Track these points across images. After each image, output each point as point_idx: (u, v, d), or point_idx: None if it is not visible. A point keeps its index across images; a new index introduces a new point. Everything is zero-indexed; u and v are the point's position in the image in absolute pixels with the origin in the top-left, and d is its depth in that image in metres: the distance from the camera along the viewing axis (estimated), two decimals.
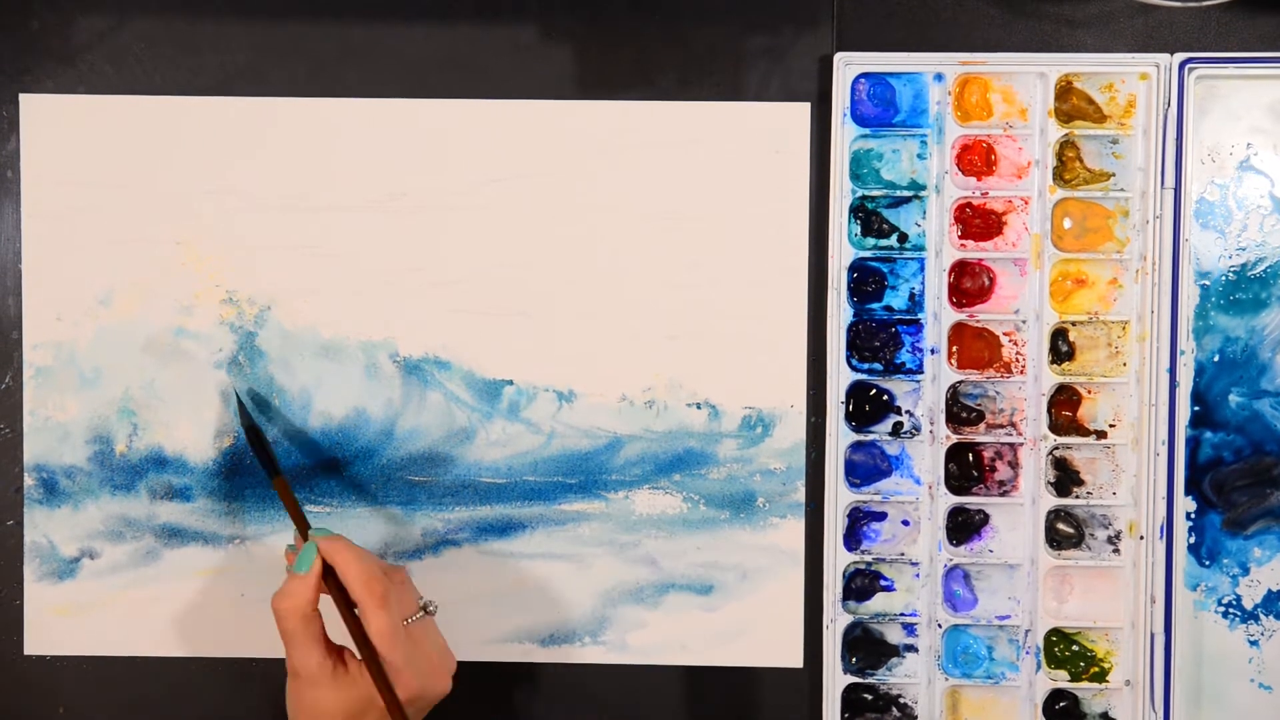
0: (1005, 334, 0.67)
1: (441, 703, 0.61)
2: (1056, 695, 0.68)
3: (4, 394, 0.69)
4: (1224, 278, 0.67)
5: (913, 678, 0.68)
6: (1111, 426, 0.67)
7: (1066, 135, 0.66)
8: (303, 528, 0.62)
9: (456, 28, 0.68)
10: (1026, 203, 0.67)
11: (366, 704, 0.58)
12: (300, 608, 0.58)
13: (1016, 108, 0.67)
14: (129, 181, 0.68)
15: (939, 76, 0.67)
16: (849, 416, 0.68)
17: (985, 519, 0.68)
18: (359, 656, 0.59)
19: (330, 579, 0.60)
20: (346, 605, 0.60)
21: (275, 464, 0.65)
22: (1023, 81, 0.67)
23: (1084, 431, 0.67)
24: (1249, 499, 0.67)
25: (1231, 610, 0.67)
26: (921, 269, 0.67)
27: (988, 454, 0.68)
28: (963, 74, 0.67)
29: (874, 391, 0.68)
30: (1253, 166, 0.67)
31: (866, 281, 0.67)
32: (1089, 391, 0.67)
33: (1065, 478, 0.68)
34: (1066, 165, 0.67)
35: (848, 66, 0.66)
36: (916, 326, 0.67)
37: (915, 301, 0.67)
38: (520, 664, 0.69)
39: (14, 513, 0.69)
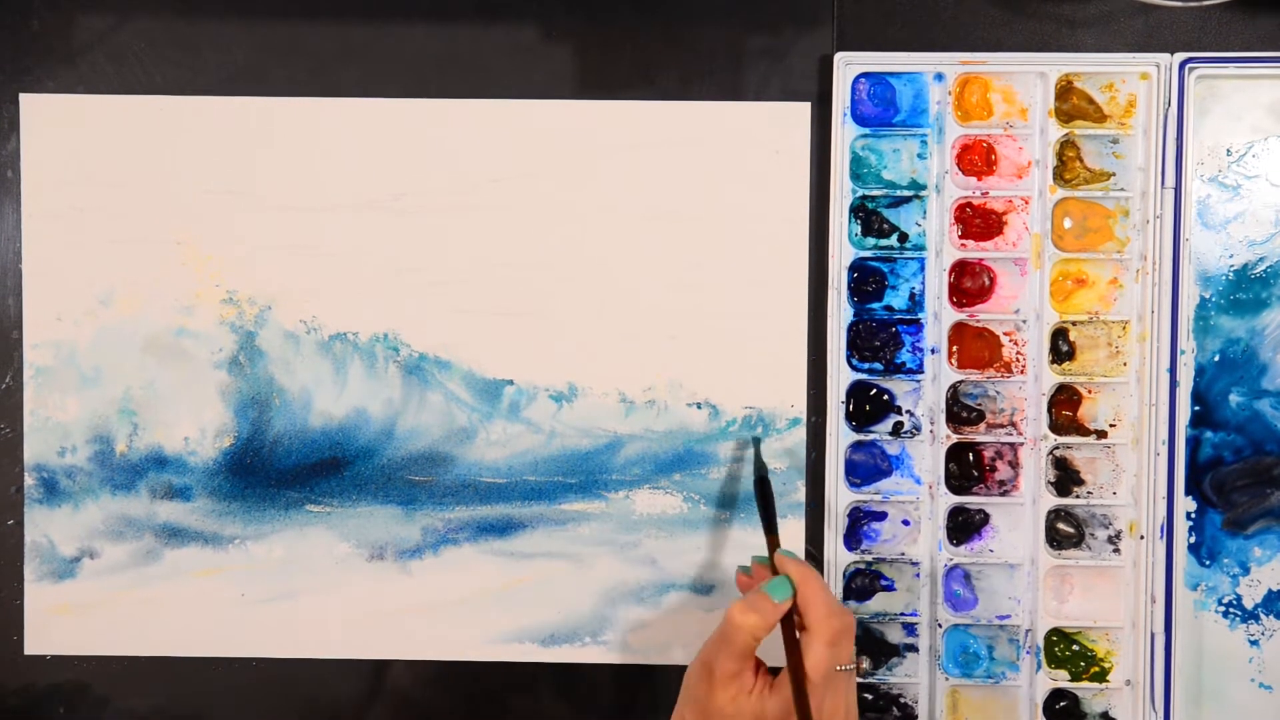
0: (1005, 334, 0.67)
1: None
2: (1057, 695, 0.68)
3: (4, 394, 0.69)
4: (1224, 278, 0.67)
5: (913, 677, 0.68)
6: (1112, 426, 0.67)
7: (1067, 135, 0.66)
8: (773, 546, 0.63)
9: (456, 28, 0.68)
10: (1027, 202, 0.67)
11: None
12: (754, 629, 0.59)
13: (1017, 107, 0.67)
14: (129, 181, 0.68)
15: (939, 76, 0.67)
16: (849, 416, 0.68)
17: (985, 519, 0.68)
18: (786, 680, 0.59)
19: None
20: (793, 629, 0.60)
21: (775, 523, 0.65)
22: (1023, 81, 0.67)
23: (1084, 431, 0.67)
24: (1249, 499, 0.67)
25: (1232, 610, 0.68)
26: (922, 269, 0.67)
27: (988, 454, 0.68)
28: (963, 74, 0.67)
29: (874, 391, 0.68)
30: (1253, 166, 0.67)
31: (867, 281, 0.67)
32: (1089, 391, 0.67)
33: (1065, 477, 0.68)
34: (1067, 165, 0.67)
35: (848, 66, 0.66)
36: (917, 326, 0.67)
37: (915, 301, 0.67)
38: (520, 664, 0.69)
39: (14, 512, 0.69)
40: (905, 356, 0.67)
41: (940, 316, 0.67)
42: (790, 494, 0.68)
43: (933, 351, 0.67)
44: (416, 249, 0.68)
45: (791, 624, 0.60)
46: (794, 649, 0.59)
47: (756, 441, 0.68)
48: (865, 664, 0.62)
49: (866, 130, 0.67)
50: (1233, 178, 0.67)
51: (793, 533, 0.68)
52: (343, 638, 0.69)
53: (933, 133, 0.67)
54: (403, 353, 0.68)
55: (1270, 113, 0.67)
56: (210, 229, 0.68)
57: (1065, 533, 0.68)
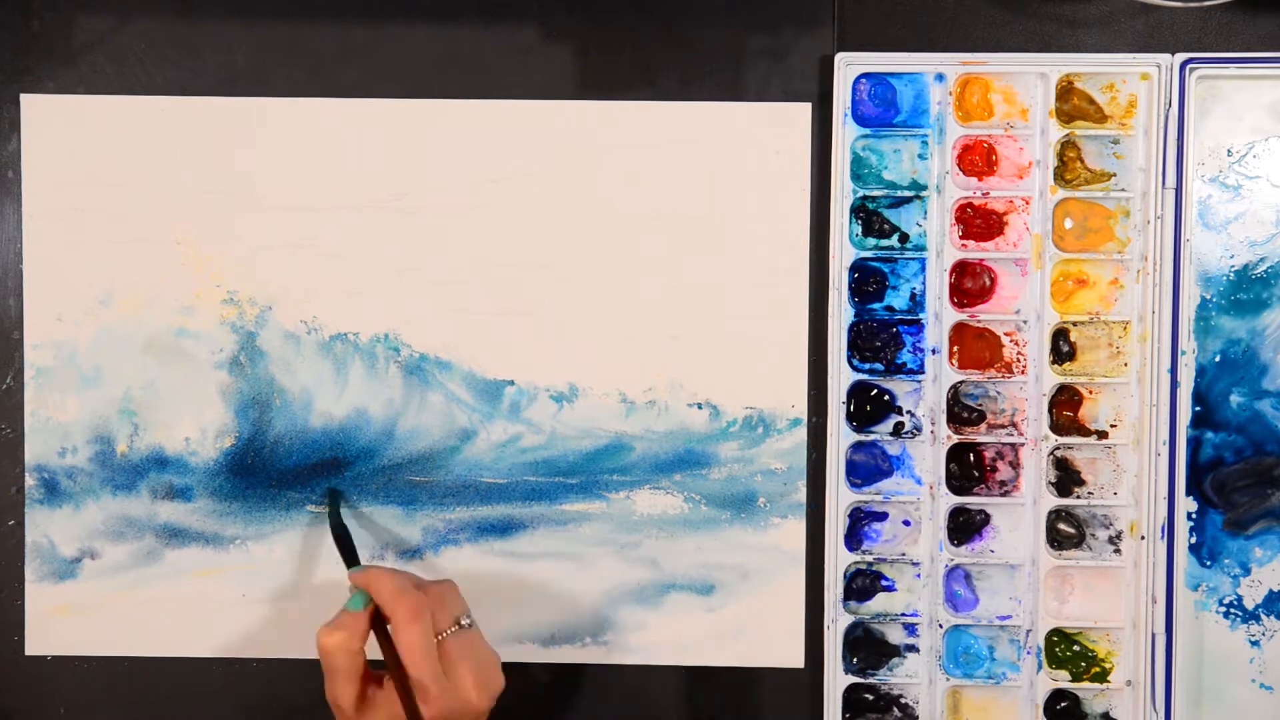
0: (1006, 334, 0.67)
1: None
2: (1057, 695, 0.68)
3: (5, 394, 0.69)
4: (1225, 278, 0.67)
5: (914, 678, 0.68)
6: (1113, 427, 0.67)
7: (1067, 135, 0.66)
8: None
9: (456, 28, 0.68)
10: (1028, 203, 0.67)
11: None
12: (346, 643, 0.58)
13: (1017, 108, 0.67)
14: (129, 181, 0.68)
15: (940, 77, 0.67)
16: (850, 417, 0.67)
17: (986, 519, 0.68)
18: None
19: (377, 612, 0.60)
20: (385, 630, 0.59)
21: (355, 560, 0.65)
22: (1024, 82, 0.67)
23: (1085, 432, 0.67)
24: (1250, 499, 0.67)
25: (1232, 610, 0.67)
26: (922, 269, 0.67)
27: (989, 454, 0.68)
28: (964, 74, 0.67)
29: (875, 392, 0.68)
30: (1254, 167, 0.67)
31: (867, 281, 0.67)
32: (1090, 392, 0.67)
33: (1066, 478, 0.67)
34: (1067, 165, 0.67)
35: (849, 66, 0.66)
36: (917, 327, 0.67)
37: (916, 301, 0.67)
38: (520, 664, 0.69)
39: (15, 513, 0.69)
40: (906, 357, 0.67)
41: (941, 317, 0.67)
42: (791, 494, 0.68)
43: (933, 352, 0.67)
44: (417, 249, 0.68)
45: (382, 626, 0.59)
46: (385, 644, 0.59)
47: (332, 494, 0.68)
48: (466, 621, 0.60)
49: (867, 131, 0.67)
50: (1233, 178, 0.67)
51: (793, 533, 0.68)
52: None
53: (933, 133, 0.67)
54: (403, 353, 0.68)
55: (1271, 113, 0.67)
56: (210, 229, 0.68)
57: (1066, 533, 0.67)
